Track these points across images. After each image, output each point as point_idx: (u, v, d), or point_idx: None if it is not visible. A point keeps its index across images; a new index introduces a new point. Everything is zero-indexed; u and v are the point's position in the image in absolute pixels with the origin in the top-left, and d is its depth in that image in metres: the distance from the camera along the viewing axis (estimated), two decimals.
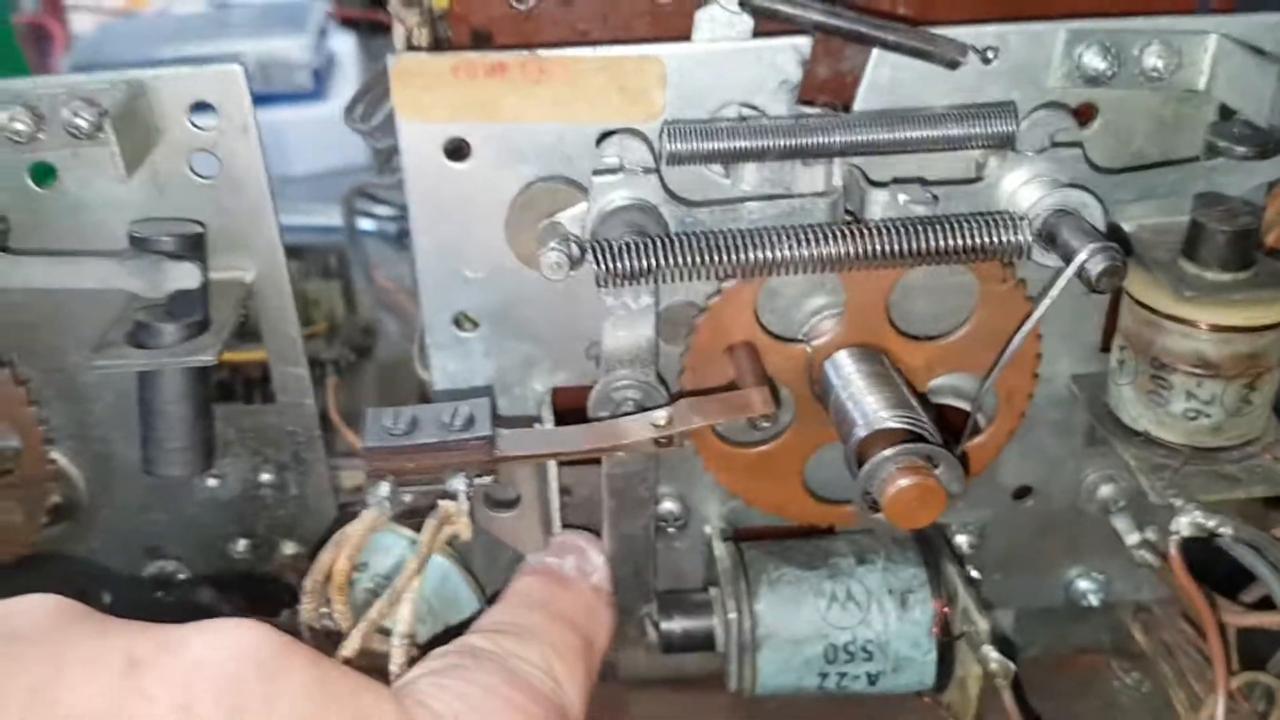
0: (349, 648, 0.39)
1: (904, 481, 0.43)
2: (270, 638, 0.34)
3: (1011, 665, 0.48)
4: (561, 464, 0.55)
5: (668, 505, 0.57)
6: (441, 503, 0.41)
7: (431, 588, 0.55)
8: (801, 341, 0.51)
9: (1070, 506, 0.58)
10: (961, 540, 0.58)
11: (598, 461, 0.53)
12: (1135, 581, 0.60)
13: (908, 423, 0.45)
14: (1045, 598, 0.61)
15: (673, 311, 0.51)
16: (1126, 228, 0.50)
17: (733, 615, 0.54)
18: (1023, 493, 0.58)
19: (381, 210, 0.96)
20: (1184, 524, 0.45)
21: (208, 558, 0.57)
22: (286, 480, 0.55)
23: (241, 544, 0.57)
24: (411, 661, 0.44)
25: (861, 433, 0.45)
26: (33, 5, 1.58)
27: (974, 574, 0.59)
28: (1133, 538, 0.57)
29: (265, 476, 0.55)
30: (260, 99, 0.48)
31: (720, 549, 0.57)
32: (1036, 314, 0.45)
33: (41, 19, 1.57)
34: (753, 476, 0.54)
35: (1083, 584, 0.60)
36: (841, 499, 0.55)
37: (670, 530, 0.58)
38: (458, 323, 0.52)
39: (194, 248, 0.47)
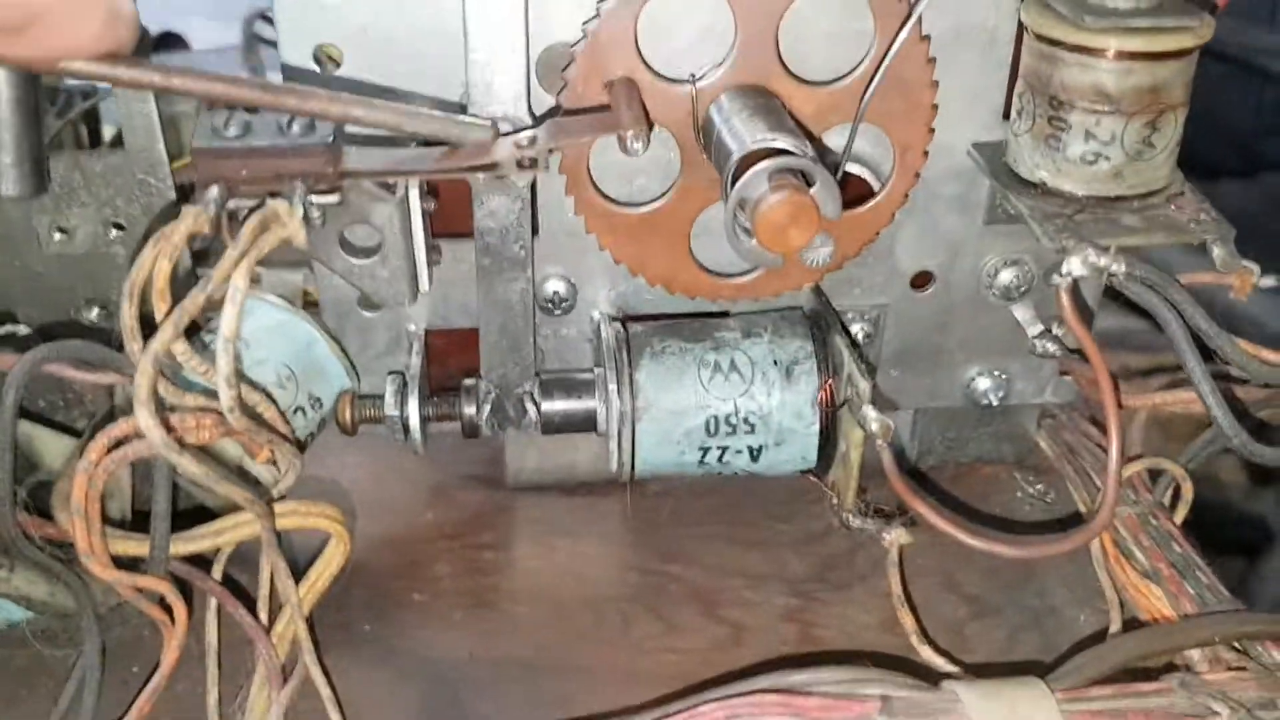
0: (160, 339, 0.36)
1: (775, 197, 0.40)
2: None
3: (890, 424, 0.46)
4: (434, 232, 0.52)
5: (553, 286, 0.54)
6: (270, 201, 0.38)
7: (294, 352, 0.52)
8: (687, 82, 0.47)
9: (971, 297, 0.56)
10: (856, 330, 0.56)
11: (467, 234, 0.50)
12: (1038, 381, 0.58)
13: (786, 143, 0.42)
14: (943, 396, 0.58)
15: (551, 54, 0.48)
16: None
17: (612, 387, 0.51)
18: (921, 281, 0.55)
19: None
20: (1075, 263, 0.43)
21: (59, 324, 0.54)
22: (138, 237, 0.52)
23: (94, 311, 0.54)
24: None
25: (737, 155, 0.42)
26: None
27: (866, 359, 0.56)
28: (1035, 328, 0.55)
29: (115, 232, 0.52)
30: None
31: (607, 330, 0.54)
32: (916, 12, 0.42)
33: None
34: (637, 240, 0.51)
35: (983, 382, 0.58)
36: (730, 272, 0.53)
37: (557, 313, 0.55)
38: (318, 60, 0.48)
39: None
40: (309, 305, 0.55)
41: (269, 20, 0.86)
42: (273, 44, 0.89)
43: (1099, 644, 0.46)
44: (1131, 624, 0.50)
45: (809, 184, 0.41)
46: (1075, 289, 0.44)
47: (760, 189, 0.41)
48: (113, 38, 0.33)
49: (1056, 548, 0.44)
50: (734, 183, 0.42)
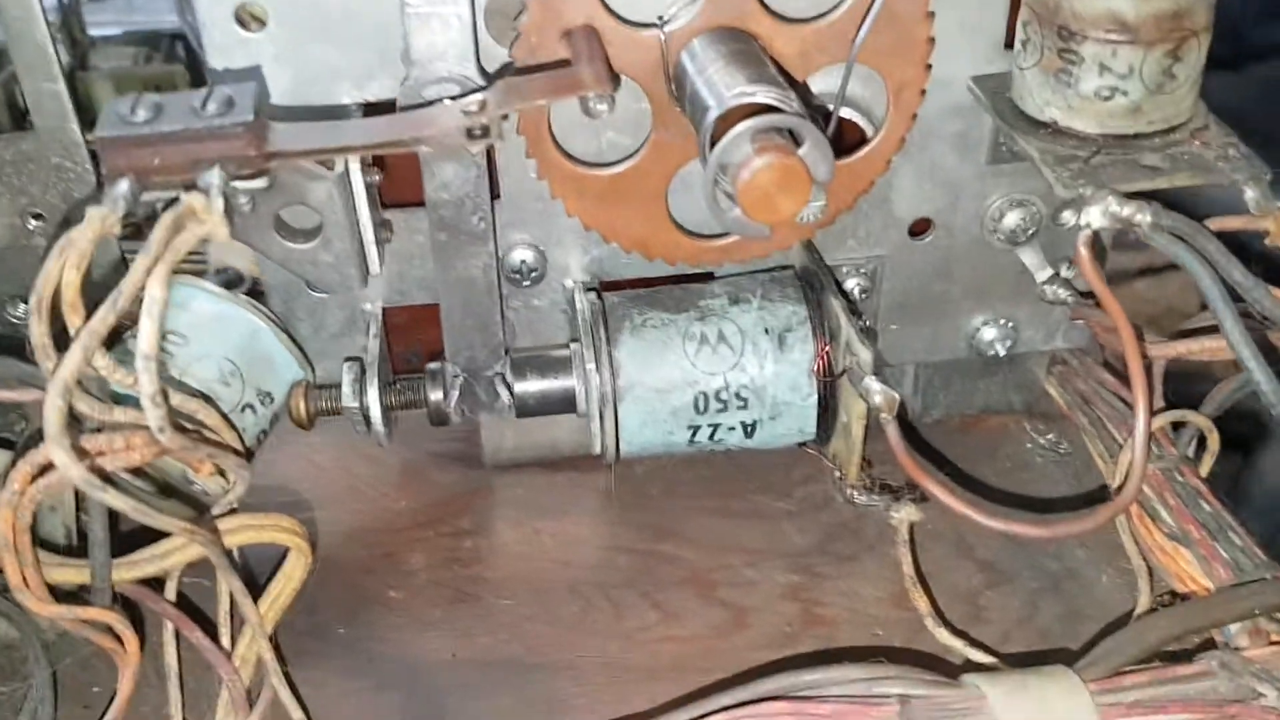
0: (67, 368, 0.32)
1: (760, 162, 0.36)
2: None
3: (895, 395, 0.42)
4: (383, 203, 0.47)
5: (520, 255, 0.50)
6: (184, 195, 0.33)
7: (237, 344, 0.47)
8: (655, 26, 0.42)
9: (973, 242, 0.51)
10: (852, 285, 0.52)
11: (422, 202, 0.46)
12: (1047, 327, 0.54)
13: (770, 96, 0.37)
14: (947, 349, 0.54)
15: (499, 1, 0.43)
16: None
17: (591, 366, 0.47)
18: (920, 227, 0.51)
19: None
20: (1095, 214, 0.39)
21: None
22: (60, 227, 0.47)
23: (22, 307, 0.49)
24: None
25: (714, 114, 0.38)
26: None
27: (865, 323, 0.52)
28: (1043, 273, 0.51)
29: (35, 222, 0.47)
30: None
31: (582, 300, 0.49)
32: None
33: None
34: (608, 204, 0.46)
35: (988, 332, 0.54)
36: (713, 233, 0.48)
37: (525, 284, 0.51)
38: (241, 21, 0.43)
39: None
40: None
41: None
42: None
43: (1129, 625, 0.43)
44: (1160, 590, 0.47)
45: (797, 143, 0.36)
46: (1095, 240, 0.40)
47: (743, 153, 0.36)
48: None
49: (1081, 526, 0.41)
50: (713, 145, 0.37)
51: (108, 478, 0.36)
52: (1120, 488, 0.43)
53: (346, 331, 0.51)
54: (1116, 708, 0.37)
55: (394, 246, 0.48)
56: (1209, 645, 0.42)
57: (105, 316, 0.31)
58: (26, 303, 0.49)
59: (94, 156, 0.46)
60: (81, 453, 0.34)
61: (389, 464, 0.58)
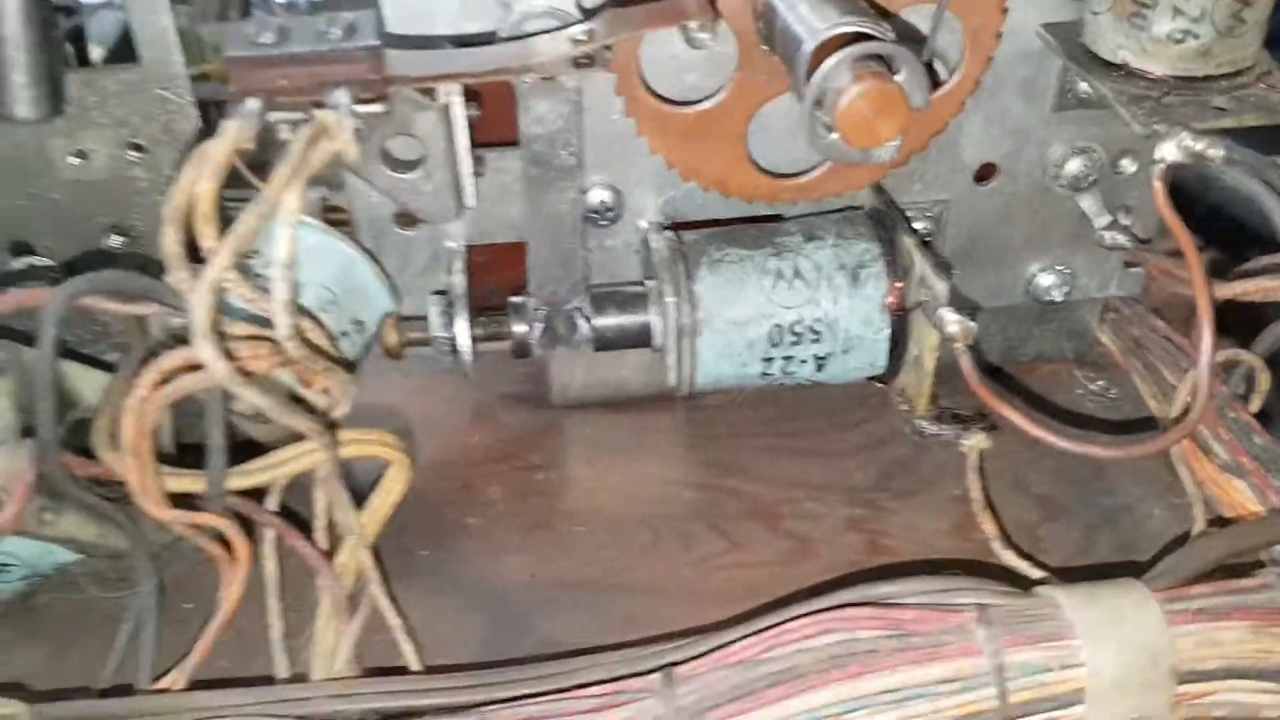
0: (217, 266, 0.33)
1: (859, 88, 0.37)
2: None
3: (972, 325, 0.44)
4: (475, 141, 0.49)
5: (598, 195, 0.52)
6: (317, 112, 0.35)
7: (334, 275, 0.49)
8: None
9: (1036, 188, 0.53)
10: (918, 228, 0.53)
11: (515, 142, 0.47)
12: (1102, 275, 0.56)
13: (865, 26, 0.39)
14: (1005, 294, 0.56)
15: None
16: None
17: (670, 300, 0.49)
18: (985, 173, 0.53)
19: None
20: (1169, 149, 0.40)
21: (82, 253, 0.51)
22: (160, 158, 0.49)
23: (116, 238, 0.51)
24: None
25: (809, 46, 0.39)
26: None
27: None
28: (1103, 219, 0.53)
29: (135, 154, 0.48)
30: None
31: (657, 239, 0.51)
32: None
33: None
34: (690, 142, 0.48)
35: (1046, 279, 0.56)
36: (788, 172, 0.50)
37: (602, 224, 0.52)
38: None
39: None
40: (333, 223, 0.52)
41: None
42: None
43: (1190, 542, 0.45)
44: (1215, 520, 0.48)
45: (893, 71, 0.38)
46: (1168, 174, 0.41)
47: (842, 80, 0.38)
48: None
49: (1151, 446, 0.43)
50: (809, 75, 0.39)
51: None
52: (1182, 415, 0.45)
53: (430, 269, 0.53)
54: (1183, 614, 0.39)
55: (479, 186, 0.50)
56: (1259, 565, 0.44)
57: (248, 220, 0.33)
58: (124, 234, 0.51)
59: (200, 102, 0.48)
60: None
61: (460, 403, 0.60)
